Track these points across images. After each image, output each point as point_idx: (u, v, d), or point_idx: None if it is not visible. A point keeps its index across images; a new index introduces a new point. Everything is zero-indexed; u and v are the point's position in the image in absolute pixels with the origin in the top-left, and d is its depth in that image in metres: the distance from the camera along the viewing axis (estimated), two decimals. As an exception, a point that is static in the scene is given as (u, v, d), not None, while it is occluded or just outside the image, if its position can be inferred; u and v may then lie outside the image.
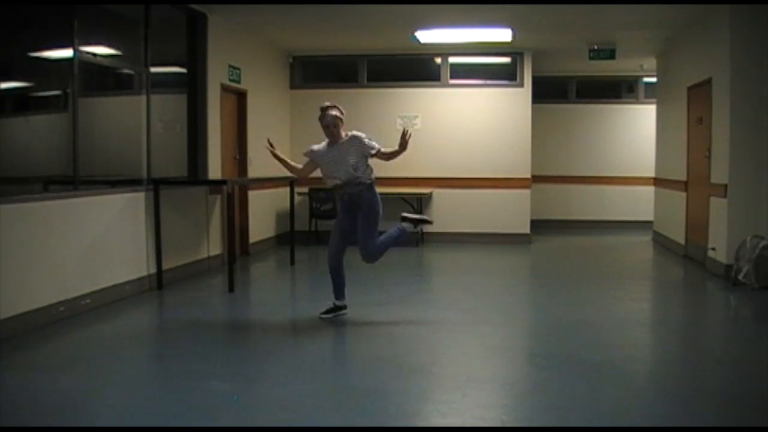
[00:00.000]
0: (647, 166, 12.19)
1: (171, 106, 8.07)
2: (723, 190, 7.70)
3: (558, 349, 5.05)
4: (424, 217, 6.16)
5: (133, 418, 3.72)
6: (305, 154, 5.91)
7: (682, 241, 9.53)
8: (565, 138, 13.52)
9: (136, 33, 7.19)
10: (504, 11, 8.35)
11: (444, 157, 11.09)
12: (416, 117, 11.11)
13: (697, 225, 8.75)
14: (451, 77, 11.23)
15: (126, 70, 7.35)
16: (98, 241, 6.31)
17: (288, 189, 9.08)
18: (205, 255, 8.31)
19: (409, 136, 5.56)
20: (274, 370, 4.61)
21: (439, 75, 11.23)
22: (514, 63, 11.14)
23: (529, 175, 11.13)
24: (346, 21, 8.98)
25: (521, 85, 11.08)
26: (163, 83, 7.75)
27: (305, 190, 10.53)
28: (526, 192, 11.13)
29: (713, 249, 8.02)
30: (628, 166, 13.29)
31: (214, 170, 8.58)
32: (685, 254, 9.35)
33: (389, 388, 4.21)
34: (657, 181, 11.39)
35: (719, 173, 7.89)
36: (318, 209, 10.57)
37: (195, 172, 8.32)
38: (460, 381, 4.31)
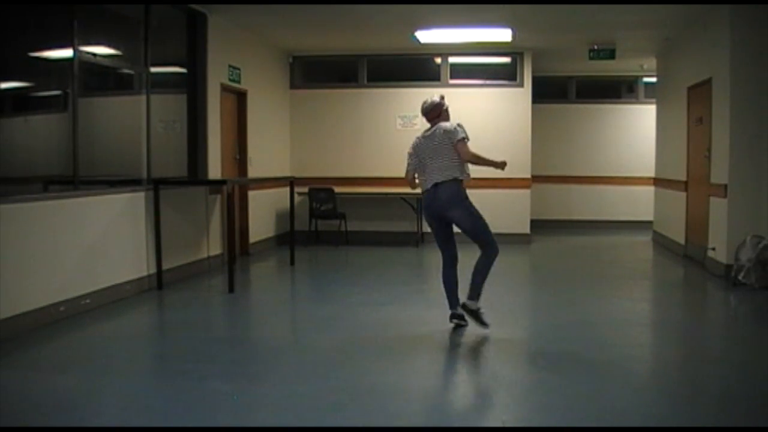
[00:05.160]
0: (647, 166, 12.19)
1: (171, 106, 8.07)
2: (723, 190, 7.70)
3: (558, 349, 5.05)
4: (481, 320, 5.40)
5: (133, 418, 3.72)
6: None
7: (682, 241, 9.53)
8: (565, 138, 13.51)
9: (136, 33, 7.19)
10: (504, 11, 8.35)
11: (444, 157, 11.05)
12: (416, 117, 11.07)
13: (697, 225, 8.75)
14: (451, 77, 11.22)
15: (126, 70, 7.35)
16: (98, 241, 6.31)
17: (288, 189, 9.09)
18: (205, 255, 8.31)
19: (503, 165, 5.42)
20: (274, 370, 4.61)
21: (439, 75, 11.23)
22: (514, 63, 11.14)
23: (529, 175, 11.13)
24: (346, 21, 8.98)
25: (521, 85, 11.08)
26: (163, 83, 7.75)
27: (305, 190, 10.53)
28: (526, 192, 11.12)
29: (713, 249, 8.02)
30: (628, 166, 13.28)
31: (214, 170, 8.58)
32: (685, 254, 9.35)
33: (389, 388, 4.21)
34: (657, 181, 11.39)
35: (719, 173, 7.89)
36: (318, 209, 10.57)
37: (195, 172, 8.32)
38: (460, 381, 4.31)
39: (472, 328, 5.47)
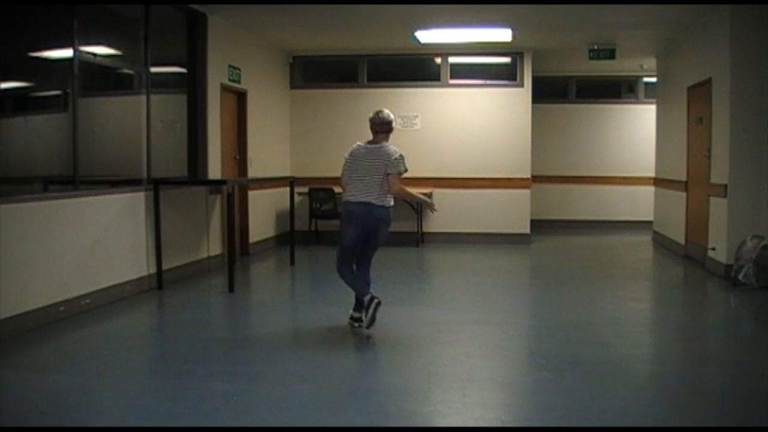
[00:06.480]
0: (647, 166, 12.19)
1: (171, 106, 8.07)
2: (723, 190, 7.70)
3: (558, 349, 5.05)
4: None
5: (133, 418, 3.72)
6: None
7: (682, 241, 9.53)
8: (565, 138, 13.51)
9: (136, 33, 7.19)
10: (504, 11, 8.35)
11: (444, 157, 11.08)
12: (416, 117, 11.10)
13: (697, 225, 8.75)
14: (451, 77, 11.22)
15: (126, 70, 7.35)
16: (98, 241, 6.31)
17: (288, 189, 9.09)
18: (205, 255, 8.31)
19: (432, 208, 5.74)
20: (274, 370, 4.61)
21: (439, 75, 11.23)
22: (514, 63, 11.14)
23: (529, 175, 11.12)
24: (346, 21, 8.98)
25: (521, 85, 11.08)
26: (163, 83, 7.75)
27: (305, 190, 10.53)
28: (526, 192, 11.12)
29: (713, 249, 8.02)
30: (628, 166, 13.28)
31: (214, 170, 8.57)
32: (685, 254, 9.34)
33: (389, 388, 4.21)
34: (657, 181, 11.39)
35: (719, 173, 7.89)
36: (318, 209, 10.57)
37: (195, 172, 8.32)
38: (460, 381, 4.31)
39: (473, 330, 5.47)
